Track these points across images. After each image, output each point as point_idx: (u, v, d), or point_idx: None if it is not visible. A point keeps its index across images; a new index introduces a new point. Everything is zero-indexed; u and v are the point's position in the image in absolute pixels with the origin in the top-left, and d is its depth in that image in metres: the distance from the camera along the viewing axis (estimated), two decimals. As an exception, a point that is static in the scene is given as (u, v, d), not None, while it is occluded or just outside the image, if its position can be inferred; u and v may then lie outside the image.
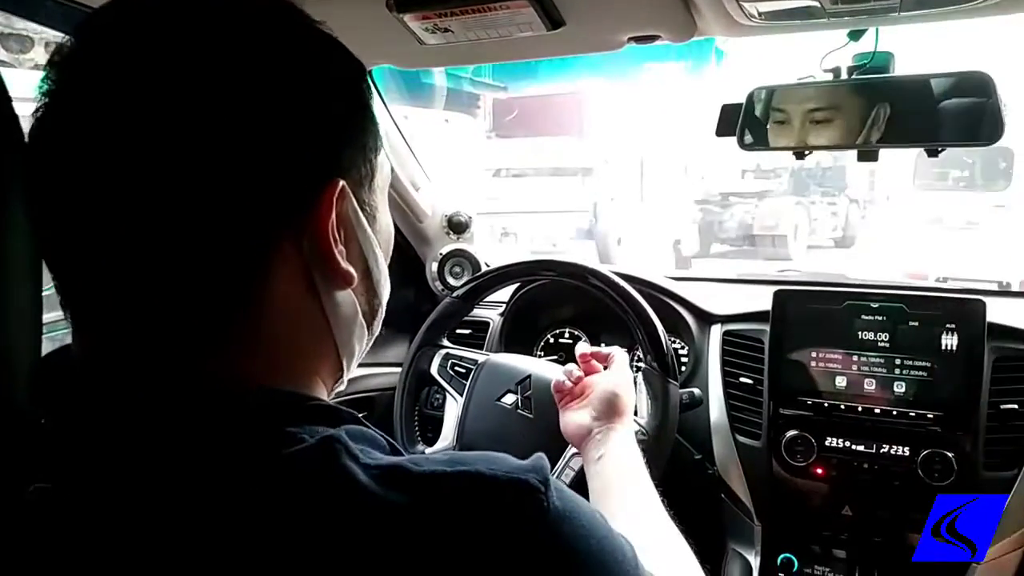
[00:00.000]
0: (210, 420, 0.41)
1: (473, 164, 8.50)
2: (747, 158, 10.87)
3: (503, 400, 1.19)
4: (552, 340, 1.62)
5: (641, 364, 1.20)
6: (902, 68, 1.05)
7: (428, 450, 1.23)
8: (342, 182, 0.48)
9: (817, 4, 0.83)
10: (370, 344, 0.56)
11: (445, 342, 1.31)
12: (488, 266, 1.60)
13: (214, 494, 0.39)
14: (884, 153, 1.08)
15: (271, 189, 0.44)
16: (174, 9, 0.44)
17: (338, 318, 0.50)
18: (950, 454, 1.13)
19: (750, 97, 1.09)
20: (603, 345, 1.59)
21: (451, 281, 1.60)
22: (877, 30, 0.99)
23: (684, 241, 9.55)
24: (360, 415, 0.47)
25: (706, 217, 10.27)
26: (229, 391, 0.43)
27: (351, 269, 0.48)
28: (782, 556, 1.28)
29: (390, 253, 0.56)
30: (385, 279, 0.55)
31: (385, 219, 0.55)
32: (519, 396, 1.18)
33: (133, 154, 0.41)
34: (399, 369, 1.31)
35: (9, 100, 0.40)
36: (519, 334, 1.58)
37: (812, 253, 9.74)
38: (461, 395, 1.23)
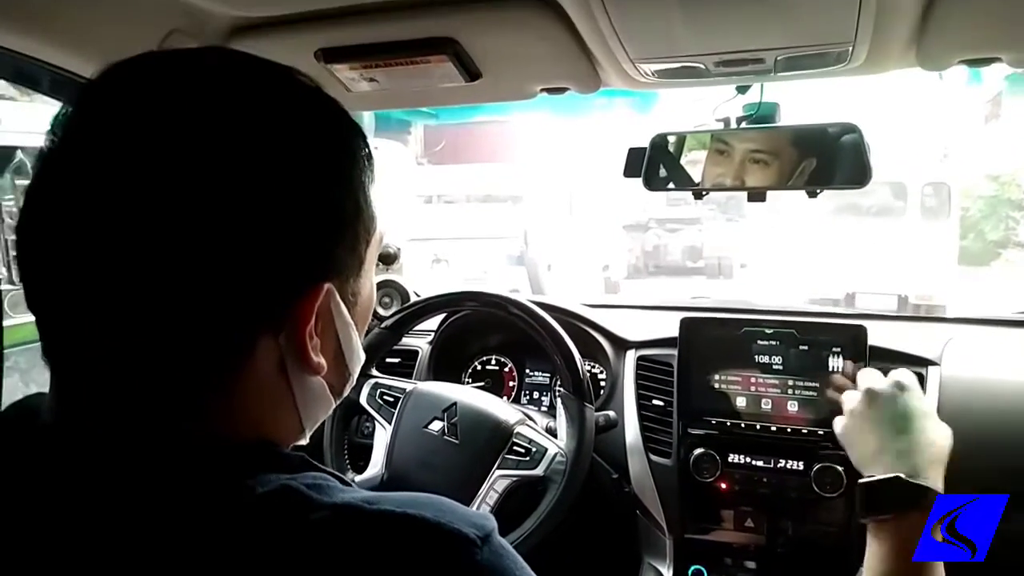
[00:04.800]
0: (170, 476, 0.43)
1: (404, 191, 8.54)
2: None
3: (430, 427, 1.24)
4: (480, 367, 1.69)
5: (560, 389, 1.27)
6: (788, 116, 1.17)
7: (358, 478, 1.27)
8: (328, 286, 0.49)
9: (702, 66, 0.94)
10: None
11: (374, 371, 1.36)
12: (418, 296, 1.66)
13: (169, 551, 0.41)
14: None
15: (255, 290, 0.45)
16: (167, 87, 0.46)
17: (306, 399, 0.52)
18: (839, 468, 1.23)
19: (653, 141, 1.19)
20: (528, 371, 1.68)
21: (381, 311, 1.65)
22: (762, 85, 1.11)
23: (613, 266, 9.75)
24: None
25: (649, 241, 10.52)
26: (193, 447, 0.45)
27: (322, 361, 0.50)
28: (693, 567, 1.36)
29: (368, 319, 0.57)
30: (358, 354, 0.56)
31: (367, 293, 0.55)
32: (445, 423, 1.23)
33: (124, 229, 0.42)
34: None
35: None
36: (447, 362, 1.64)
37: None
38: (390, 423, 1.27)
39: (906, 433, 0.90)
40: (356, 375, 0.57)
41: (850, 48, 0.85)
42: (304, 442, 0.56)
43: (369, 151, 0.53)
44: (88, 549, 0.42)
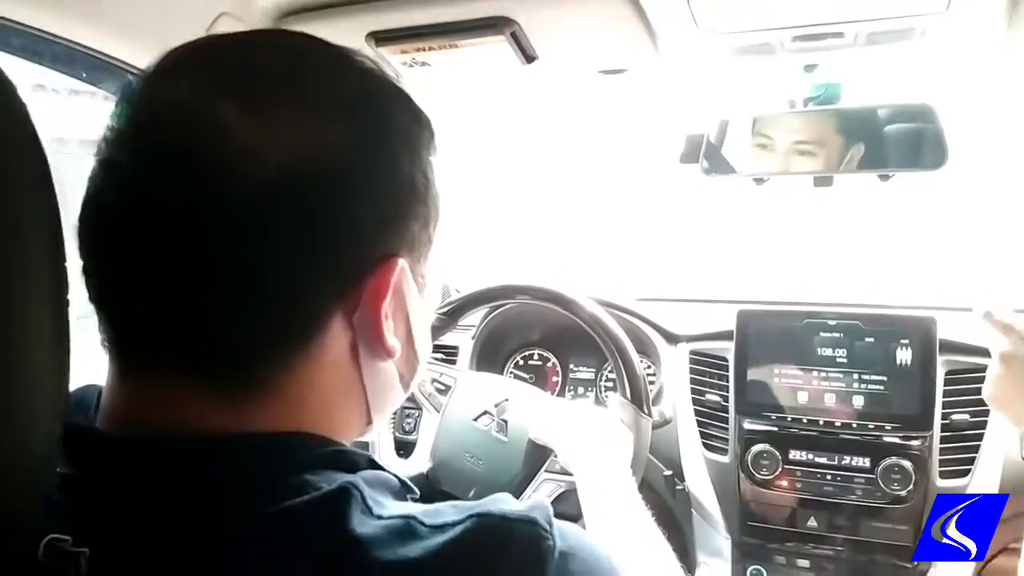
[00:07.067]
0: (224, 472, 0.42)
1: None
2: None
3: (479, 421, 1.20)
4: (522, 362, 1.65)
5: (606, 384, 1.22)
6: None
7: (402, 463, 1.24)
8: (402, 261, 0.47)
9: (776, 41, 0.89)
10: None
11: None
12: (458, 292, 1.62)
13: (220, 552, 0.40)
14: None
15: (332, 263, 0.44)
16: (243, 66, 0.45)
17: (375, 386, 0.50)
18: (907, 463, 1.19)
19: (712, 127, 1.15)
20: (571, 366, 1.64)
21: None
22: (830, 64, 1.06)
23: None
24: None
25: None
26: (249, 441, 0.44)
27: (396, 344, 0.48)
28: (751, 567, 1.32)
29: (435, 309, 0.56)
30: (427, 342, 0.54)
31: (435, 280, 0.54)
32: (496, 418, 1.19)
33: (203, 214, 0.41)
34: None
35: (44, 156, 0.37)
36: (490, 356, 1.61)
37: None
38: (438, 411, 1.24)
39: None
40: (424, 365, 0.56)
41: (940, 17, 0.80)
42: (370, 437, 0.54)
43: (433, 132, 0.52)
44: (139, 556, 0.41)
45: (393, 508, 0.43)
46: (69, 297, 0.39)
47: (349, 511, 0.41)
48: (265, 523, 0.40)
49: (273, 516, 0.40)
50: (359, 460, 0.47)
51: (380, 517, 0.42)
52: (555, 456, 1.12)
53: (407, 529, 0.41)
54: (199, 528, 0.41)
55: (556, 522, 0.44)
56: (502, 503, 0.44)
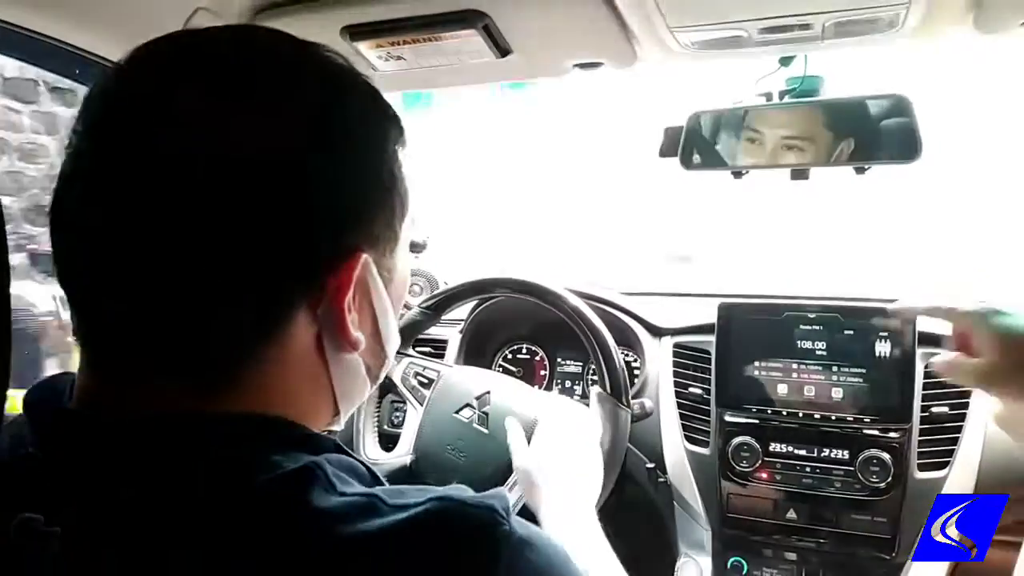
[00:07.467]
0: (194, 450, 0.43)
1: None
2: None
3: (460, 414, 1.21)
4: (510, 355, 1.66)
5: (593, 378, 1.23)
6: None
7: (385, 455, 1.25)
8: (365, 255, 0.48)
9: (745, 34, 0.89)
10: (372, 391, 0.57)
11: (410, 351, 1.34)
12: (447, 285, 1.63)
13: (191, 526, 0.41)
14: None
15: (292, 255, 0.44)
16: (207, 59, 0.46)
17: (341, 378, 0.51)
18: (886, 456, 1.19)
19: (690, 120, 1.15)
20: (559, 360, 1.64)
21: (409, 299, 1.63)
22: (806, 56, 1.06)
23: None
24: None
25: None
26: (218, 421, 0.45)
27: (360, 336, 0.49)
28: (732, 559, 1.32)
29: (403, 301, 0.57)
30: (394, 335, 0.55)
31: (402, 275, 0.55)
32: (477, 411, 1.20)
33: (165, 207, 0.42)
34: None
35: None
36: (477, 350, 1.61)
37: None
38: (422, 405, 1.25)
39: None
40: (392, 357, 0.57)
41: (904, 11, 0.80)
42: (339, 427, 0.56)
43: (402, 127, 0.52)
44: (108, 536, 0.42)
45: (357, 488, 0.44)
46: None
47: (312, 488, 0.42)
48: (233, 500, 0.41)
49: (240, 493, 0.42)
50: (326, 443, 0.48)
51: (343, 494, 0.43)
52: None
53: (369, 506, 0.42)
54: (169, 505, 0.42)
55: (512, 514, 0.45)
56: (463, 490, 0.45)
